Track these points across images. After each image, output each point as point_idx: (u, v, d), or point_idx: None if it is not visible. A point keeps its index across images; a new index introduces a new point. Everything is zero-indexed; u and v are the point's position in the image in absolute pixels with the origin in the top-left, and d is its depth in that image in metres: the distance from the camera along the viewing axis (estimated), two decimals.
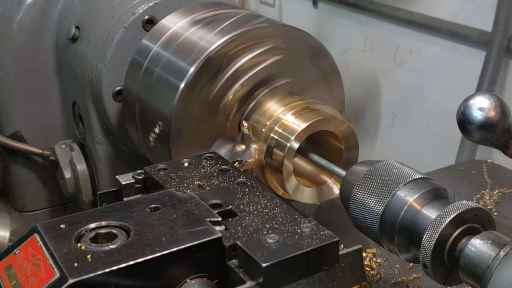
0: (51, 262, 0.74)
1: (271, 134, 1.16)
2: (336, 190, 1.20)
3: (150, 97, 1.27)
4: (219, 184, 0.96)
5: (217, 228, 0.81)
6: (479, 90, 2.23)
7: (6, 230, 1.77)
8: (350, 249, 0.85)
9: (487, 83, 2.20)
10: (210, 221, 0.82)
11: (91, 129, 1.56)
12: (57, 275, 0.72)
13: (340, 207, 1.15)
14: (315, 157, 1.17)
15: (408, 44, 2.69)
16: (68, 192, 1.63)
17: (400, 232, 0.84)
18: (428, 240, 0.78)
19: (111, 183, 1.59)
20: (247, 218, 0.86)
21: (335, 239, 0.80)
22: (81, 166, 1.60)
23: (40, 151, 1.69)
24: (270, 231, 0.82)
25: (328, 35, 3.04)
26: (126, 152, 1.59)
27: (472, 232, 0.79)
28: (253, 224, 0.85)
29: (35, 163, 1.76)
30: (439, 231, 0.78)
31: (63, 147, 1.65)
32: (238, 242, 0.79)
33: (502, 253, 0.73)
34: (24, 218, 1.80)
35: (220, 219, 0.84)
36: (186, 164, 1.03)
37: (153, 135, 1.20)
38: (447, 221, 0.78)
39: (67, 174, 1.61)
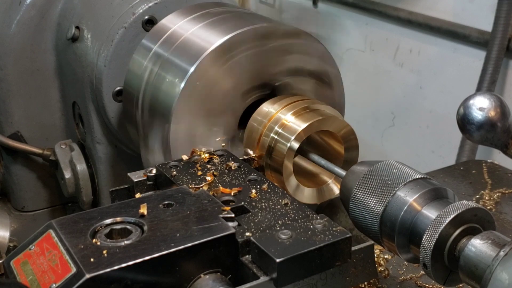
0: (67, 257, 0.75)
1: (271, 134, 1.16)
2: (336, 190, 1.20)
3: (150, 97, 1.27)
4: (231, 181, 0.97)
5: (230, 224, 0.82)
6: (479, 90, 2.23)
7: (6, 230, 1.77)
8: (362, 245, 0.86)
9: (487, 83, 2.20)
10: (223, 217, 0.83)
11: (91, 129, 1.56)
12: (74, 270, 0.73)
13: (340, 207, 1.15)
14: (315, 157, 1.17)
15: (408, 44, 2.69)
16: (68, 192, 1.63)
17: (400, 232, 0.84)
18: (428, 240, 0.78)
19: (111, 183, 1.59)
20: (259, 214, 0.87)
21: (348, 235, 0.81)
22: (81, 166, 1.60)
23: (40, 151, 1.69)
24: (283, 227, 0.83)
25: (328, 35, 3.04)
26: (126, 152, 1.59)
27: (472, 232, 0.79)
28: (266, 220, 0.86)
29: (35, 163, 1.76)
30: (439, 231, 0.78)
31: (63, 147, 1.65)
32: (251, 238, 0.81)
33: (502, 253, 0.73)
34: (24, 218, 1.80)
35: (233, 215, 0.85)
36: (197, 161, 1.04)
37: None
38: (447, 221, 0.78)
39: (67, 174, 1.61)
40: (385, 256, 1.11)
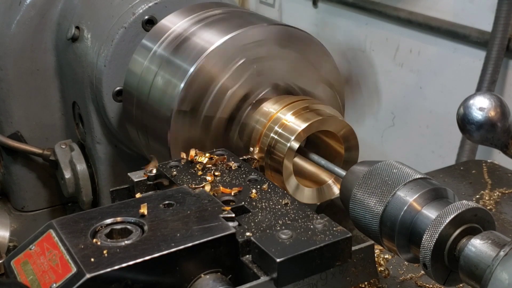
0: (68, 257, 0.75)
1: (271, 134, 1.16)
2: (336, 190, 1.20)
3: (150, 97, 1.27)
4: (231, 181, 0.97)
5: (231, 224, 0.83)
6: (479, 90, 2.23)
7: (6, 230, 1.77)
8: (362, 245, 0.86)
9: (487, 83, 2.20)
10: (223, 217, 0.84)
11: (91, 129, 1.56)
12: (74, 270, 0.73)
13: (340, 207, 1.15)
14: (315, 157, 1.17)
15: (408, 44, 2.69)
16: (68, 192, 1.63)
17: (400, 232, 0.84)
18: (428, 240, 0.78)
19: (111, 183, 1.59)
20: (259, 214, 0.88)
21: (348, 235, 0.81)
22: (81, 166, 1.60)
23: (40, 151, 1.69)
24: (283, 227, 0.83)
25: (328, 35, 3.04)
26: (126, 152, 1.59)
27: (472, 232, 0.79)
28: (266, 220, 0.86)
29: (35, 163, 1.76)
30: (439, 231, 0.78)
31: (63, 147, 1.65)
32: (252, 238, 0.81)
33: (502, 253, 0.73)
34: (24, 218, 1.80)
35: (233, 215, 0.85)
36: (197, 161, 1.04)
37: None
38: (447, 221, 0.78)
39: (67, 174, 1.61)
40: (385, 256, 1.11)
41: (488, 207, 1.29)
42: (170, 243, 0.78)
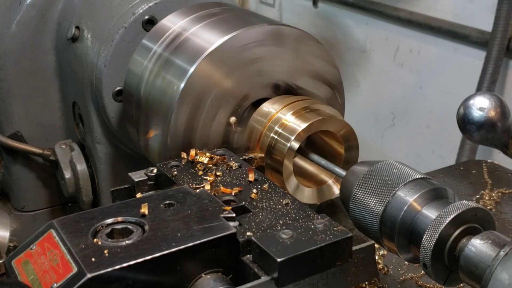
0: (69, 257, 0.76)
1: (271, 134, 1.16)
2: (336, 190, 1.20)
3: (150, 97, 1.27)
4: (232, 180, 0.97)
5: (231, 224, 0.83)
6: (479, 90, 2.23)
7: (6, 230, 1.77)
8: (363, 245, 0.86)
9: (487, 83, 2.20)
10: (224, 217, 0.84)
11: (91, 129, 1.56)
12: (75, 269, 0.73)
13: (340, 207, 1.16)
14: (315, 157, 1.17)
15: (408, 44, 2.69)
16: (68, 192, 1.63)
17: (400, 232, 0.84)
18: (428, 240, 0.79)
19: (111, 183, 1.59)
20: (260, 214, 0.88)
21: (349, 235, 0.81)
22: (81, 166, 1.60)
23: (40, 151, 1.69)
24: (283, 227, 0.83)
25: (328, 35, 3.05)
26: (126, 152, 1.59)
27: (472, 232, 0.79)
28: (267, 220, 0.86)
29: (35, 163, 1.76)
30: (439, 231, 0.78)
31: (63, 147, 1.65)
32: (252, 238, 0.81)
33: (502, 253, 0.73)
34: (24, 218, 1.80)
35: (234, 215, 0.85)
36: (197, 161, 1.04)
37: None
38: (447, 221, 0.78)
39: (67, 174, 1.61)
40: (380, 253, 1.11)
41: (488, 207, 1.29)
42: (171, 243, 0.78)
